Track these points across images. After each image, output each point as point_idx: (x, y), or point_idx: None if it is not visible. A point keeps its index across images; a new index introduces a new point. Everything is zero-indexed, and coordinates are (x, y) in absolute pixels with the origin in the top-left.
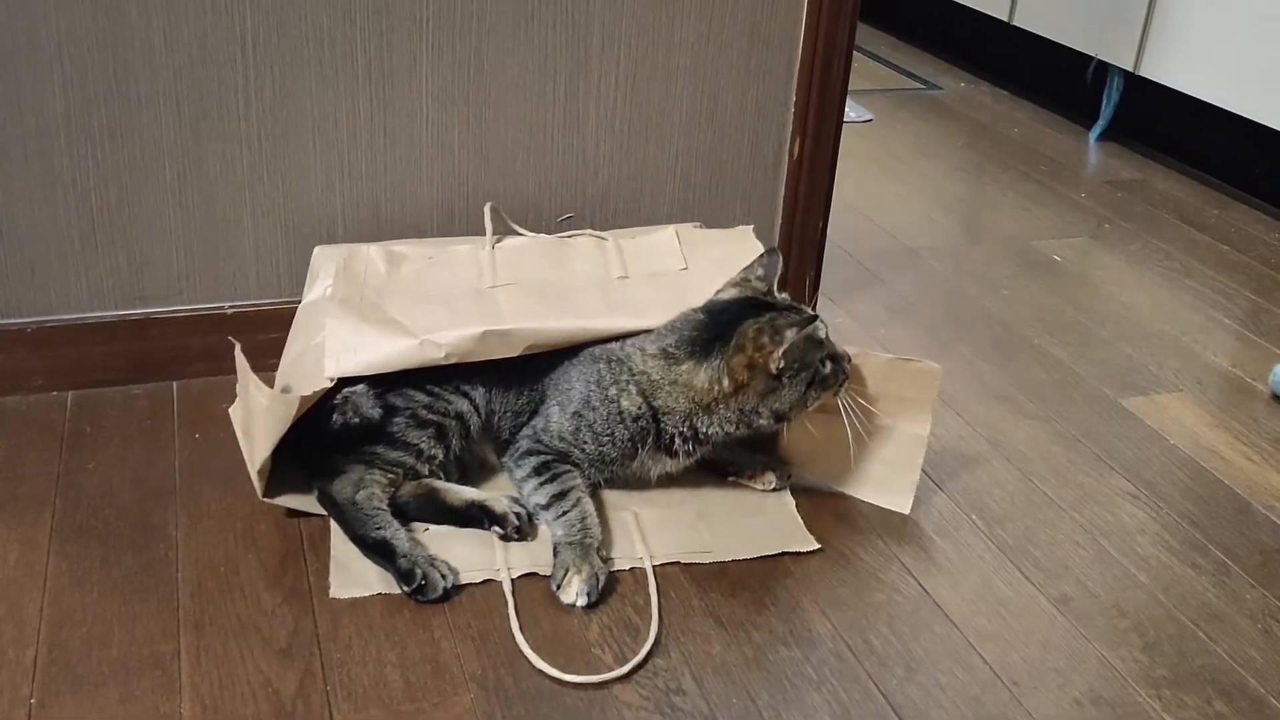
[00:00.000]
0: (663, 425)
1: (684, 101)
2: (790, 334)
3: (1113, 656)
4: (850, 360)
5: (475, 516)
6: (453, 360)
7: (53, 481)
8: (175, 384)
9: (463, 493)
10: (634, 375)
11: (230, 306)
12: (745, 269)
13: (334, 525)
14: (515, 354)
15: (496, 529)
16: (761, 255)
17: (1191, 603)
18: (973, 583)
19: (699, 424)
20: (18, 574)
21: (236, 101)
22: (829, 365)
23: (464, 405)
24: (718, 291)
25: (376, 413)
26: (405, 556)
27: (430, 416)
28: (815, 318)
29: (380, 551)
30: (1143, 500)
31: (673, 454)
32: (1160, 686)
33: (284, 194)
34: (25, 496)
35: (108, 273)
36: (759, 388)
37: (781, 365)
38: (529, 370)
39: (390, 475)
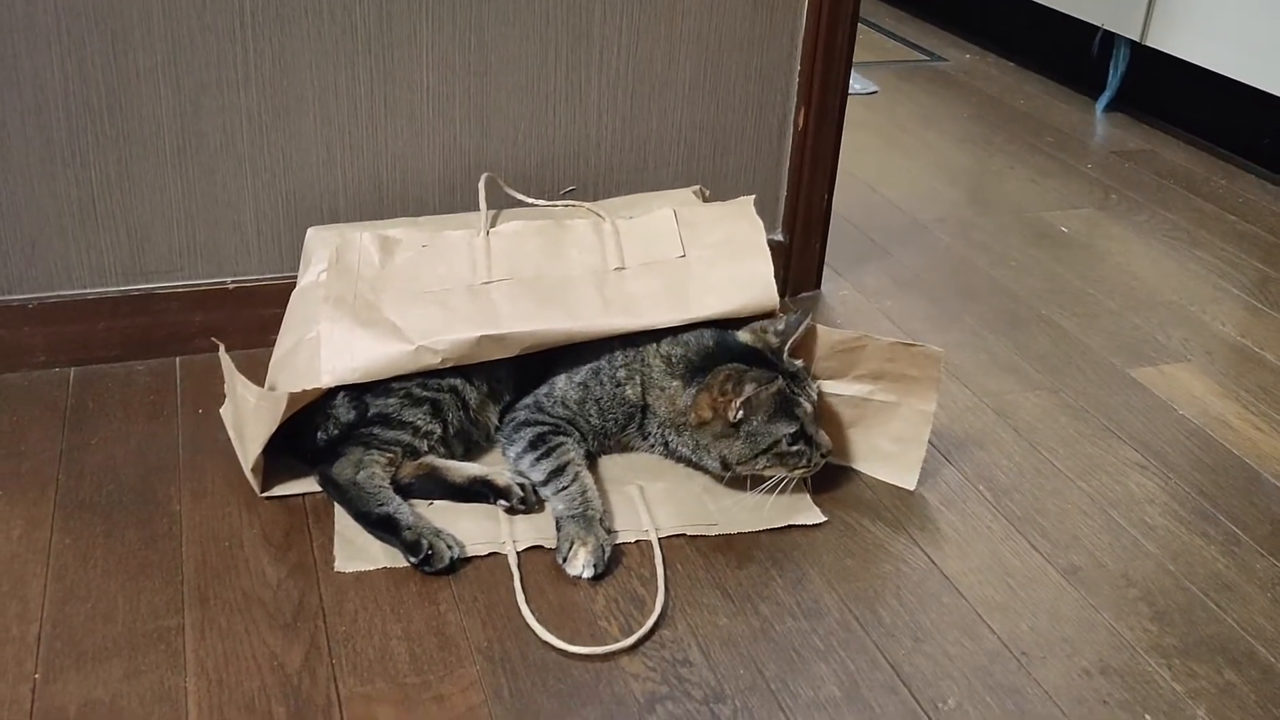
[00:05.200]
0: (647, 419)
1: (687, 71)
2: (749, 388)
3: (1121, 626)
4: (828, 456)
5: (479, 492)
6: (448, 365)
7: (55, 458)
8: (178, 360)
9: (465, 469)
10: (643, 365)
11: (232, 281)
12: (769, 320)
13: None
14: (511, 355)
15: (502, 502)
16: (791, 315)
17: (1201, 572)
18: (980, 553)
19: (668, 435)
20: (21, 550)
21: (236, 73)
22: (798, 445)
23: (457, 379)
24: (737, 332)
25: (353, 415)
26: (410, 528)
27: (424, 393)
28: (777, 379)
29: (385, 527)
30: (1151, 470)
31: (649, 445)
32: (1170, 656)
33: (284, 167)
34: (28, 473)
35: (109, 248)
36: (715, 430)
37: (740, 416)
38: None
39: (389, 454)
